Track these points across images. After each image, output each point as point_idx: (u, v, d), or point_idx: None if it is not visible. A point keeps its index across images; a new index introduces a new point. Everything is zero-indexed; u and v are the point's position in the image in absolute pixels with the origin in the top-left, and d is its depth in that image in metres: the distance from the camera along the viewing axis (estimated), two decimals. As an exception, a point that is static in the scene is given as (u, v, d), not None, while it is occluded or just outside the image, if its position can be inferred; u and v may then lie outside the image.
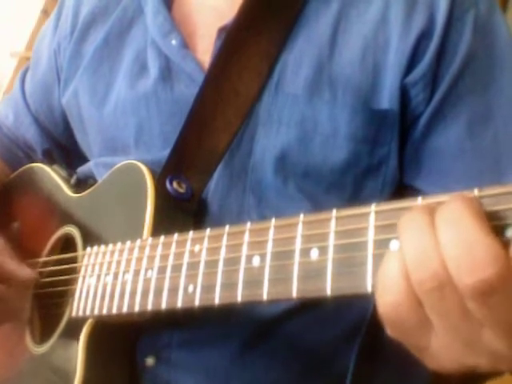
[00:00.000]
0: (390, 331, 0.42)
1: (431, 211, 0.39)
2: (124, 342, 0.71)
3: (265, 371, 0.71)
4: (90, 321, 0.69)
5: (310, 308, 0.71)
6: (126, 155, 0.79)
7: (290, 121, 0.72)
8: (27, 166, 0.96)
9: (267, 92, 0.73)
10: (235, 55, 0.74)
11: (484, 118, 0.71)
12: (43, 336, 0.77)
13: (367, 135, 0.71)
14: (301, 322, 0.71)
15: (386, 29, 0.72)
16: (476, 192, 0.40)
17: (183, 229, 0.62)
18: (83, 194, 0.82)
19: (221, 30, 0.77)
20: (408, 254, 0.39)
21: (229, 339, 0.71)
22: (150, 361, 0.72)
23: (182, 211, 0.72)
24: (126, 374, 0.71)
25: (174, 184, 0.72)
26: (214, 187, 0.73)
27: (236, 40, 0.75)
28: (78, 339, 0.69)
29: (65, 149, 0.98)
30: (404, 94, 0.71)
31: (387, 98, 0.71)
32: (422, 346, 0.42)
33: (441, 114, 0.72)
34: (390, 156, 0.73)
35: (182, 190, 0.72)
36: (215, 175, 0.73)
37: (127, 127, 0.80)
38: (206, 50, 0.78)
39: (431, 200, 0.42)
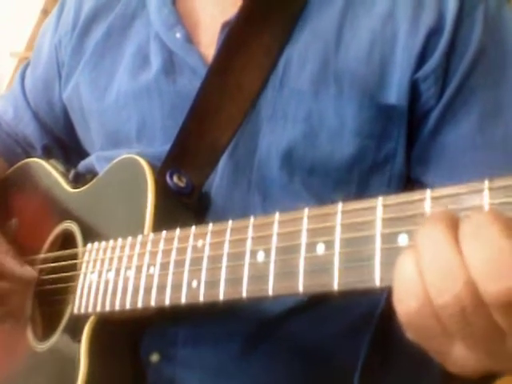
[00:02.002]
0: (410, 336, 0.41)
1: (453, 224, 0.38)
2: (127, 338, 0.70)
3: (269, 369, 0.71)
4: (92, 317, 0.68)
5: (312, 306, 0.70)
6: (129, 149, 0.78)
7: (295, 116, 0.71)
8: (23, 161, 0.95)
9: (271, 87, 0.72)
10: (239, 50, 0.74)
11: (495, 114, 0.71)
12: (45, 333, 0.76)
13: (374, 130, 0.71)
14: (304, 321, 0.71)
15: (393, 24, 0.71)
16: (487, 184, 0.39)
17: (185, 224, 0.61)
18: (82, 188, 0.81)
19: (224, 25, 0.76)
20: (428, 270, 0.38)
21: (233, 337, 0.71)
22: (154, 357, 0.71)
23: (183, 206, 0.71)
24: (129, 371, 0.70)
25: (175, 178, 0.71)
26: (219, 183, 0.73)
27: (239, 35, 0.75)
28: (80, 336, 0.68)
29: (64, 145, 0.97)
30: (414, 88, 0.70)
31: (395, 94, 0.70)
32: (444, 352, 0.41)
33: (452, 109, 0.71)
34: (396, 152, 0.72)
35: (182, 184, 0.71)
36: (219, 170, 0.72)
37: (129, 120, 0.80)
38: (209, 43, 0.78)
39: (441, 192, 0.41)
